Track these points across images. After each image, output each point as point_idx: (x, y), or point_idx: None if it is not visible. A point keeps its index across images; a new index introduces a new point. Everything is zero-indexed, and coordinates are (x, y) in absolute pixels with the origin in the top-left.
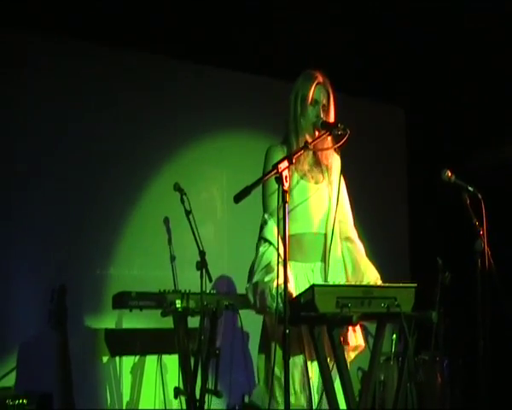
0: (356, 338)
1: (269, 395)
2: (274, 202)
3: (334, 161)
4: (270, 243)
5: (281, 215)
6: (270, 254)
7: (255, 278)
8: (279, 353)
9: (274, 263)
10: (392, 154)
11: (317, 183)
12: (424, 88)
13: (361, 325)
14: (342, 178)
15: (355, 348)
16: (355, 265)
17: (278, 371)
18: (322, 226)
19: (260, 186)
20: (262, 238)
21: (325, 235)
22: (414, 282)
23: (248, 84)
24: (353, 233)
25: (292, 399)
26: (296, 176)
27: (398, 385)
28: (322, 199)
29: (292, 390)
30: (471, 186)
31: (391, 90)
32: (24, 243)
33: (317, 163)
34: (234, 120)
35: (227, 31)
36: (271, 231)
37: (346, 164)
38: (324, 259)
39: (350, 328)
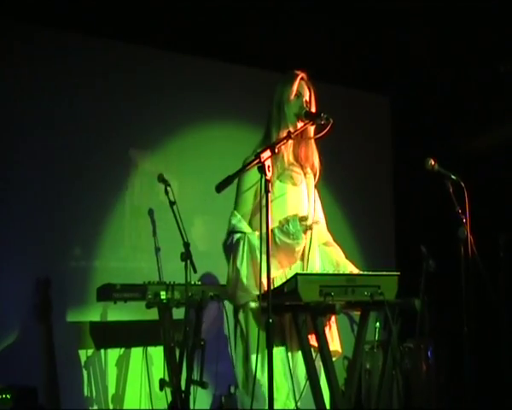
0: (333, 342)
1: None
2: (247, 202)
3: (314, 162)
4: (242, 233)
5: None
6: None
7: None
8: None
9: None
10: (377, 142)
11: (294, 184)
12: (409, 76)
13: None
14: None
15: (332, 353)
16: (335, 266)
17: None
18: None
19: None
20: (235, 231)
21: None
22: (399, 270)
23: (234, 74)
24: (330, 237)
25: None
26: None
27: (382, 372)
28: (301, 200)
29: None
30: (454, 174)
31: (376, 78)
32: (8, 236)
33: (296, 163)
34: (219, 110)
35: (214, 22)
36: (242, 223)
37: (331, 153)
38: (303, 258)
39: (327, 332)
